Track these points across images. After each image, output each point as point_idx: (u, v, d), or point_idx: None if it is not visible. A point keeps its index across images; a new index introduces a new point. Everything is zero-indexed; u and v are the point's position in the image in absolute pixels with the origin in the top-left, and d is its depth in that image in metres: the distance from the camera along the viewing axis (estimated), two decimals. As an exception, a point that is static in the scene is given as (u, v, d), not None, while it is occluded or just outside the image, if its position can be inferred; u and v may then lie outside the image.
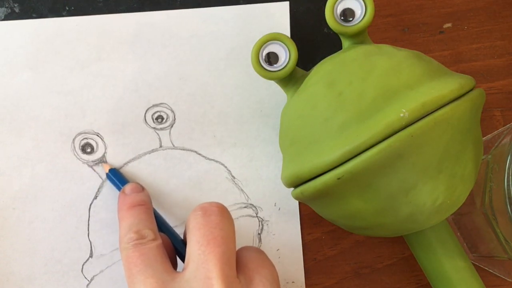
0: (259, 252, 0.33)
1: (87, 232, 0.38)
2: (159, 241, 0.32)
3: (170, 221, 0.38)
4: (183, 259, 0.34)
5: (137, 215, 0.34)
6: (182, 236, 0.35)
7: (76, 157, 0.39)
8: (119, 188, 0.37)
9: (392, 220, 0.31)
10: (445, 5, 0.41)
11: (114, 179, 0.37)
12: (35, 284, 0.38)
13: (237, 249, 0.32)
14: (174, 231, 0.36)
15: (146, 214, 0.34)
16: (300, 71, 0.35)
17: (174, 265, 0.34)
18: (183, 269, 0.31)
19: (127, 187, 0.36)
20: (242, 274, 0.31)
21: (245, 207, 0.39)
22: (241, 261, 0.32)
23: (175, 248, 0.35)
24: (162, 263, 0.31)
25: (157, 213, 0.36)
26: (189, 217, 0.32)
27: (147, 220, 0.34)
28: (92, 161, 0.39)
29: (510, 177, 0.32)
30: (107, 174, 0.38)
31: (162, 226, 0.35)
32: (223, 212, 0.32)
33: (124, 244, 0.32)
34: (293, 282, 0.39)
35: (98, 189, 0.38)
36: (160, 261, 0.31)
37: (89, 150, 0.39)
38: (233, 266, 0.31)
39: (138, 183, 0.37)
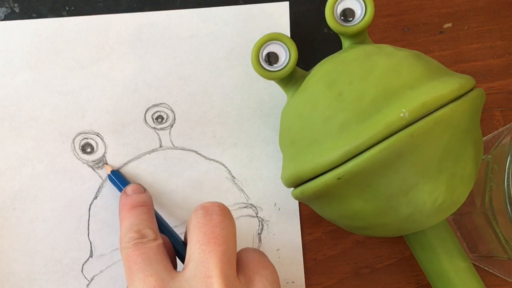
0: (260, 253, 0.33)
1: (87, 232, 0.38)
2: (160, 241, 0.32)
3: (170, 221, 0.38)
4: (183, 261, 0.34)
5: (138, 215, 0.34)
6: (183, 238, 0.35)
7: (76, 157, 0.39)
8: (120, 190, 0.37)
9: (392, 220, 0.31)
10: (445, 5, 0.41)
11: (116, 180, 0.37)
12: (35, 284, 0.38)
13: (238, 250, 0.32)
14: (175, 232, 0.36)
15: (147, 214, 0.34)
16: (300, 71, 0.35)
17: (174, 267, 0.34)
18: (183, 268, 0.31)
19: (129, 188, 0.36)
20: (242, 274, 0.31)
21: (245, 207, 0.39)
22: (241, 262, 0.32)
23: (175, 250, 0.35)
24: (162, 262, 0.31)
25: (158, 215, 0.36)
26: (190, 216, 0.32)
27: (148, 220, 0.34)
28: (92, 161, 0.39)
29: (510, 177, 0.32)
30: (108, 175, 0.38)
31: (162, 227, 0.35)
32: (224, 211, 0.32)
33: (125, 243, 0.32)
34: (293, 282, 0.39)
35: (98, 189, 0.38)
36: (160, 260, 0.31)
37: (89, 150, 0.39)
38: (234, 265, 0.31)
39: (140, 184, 0.37)
